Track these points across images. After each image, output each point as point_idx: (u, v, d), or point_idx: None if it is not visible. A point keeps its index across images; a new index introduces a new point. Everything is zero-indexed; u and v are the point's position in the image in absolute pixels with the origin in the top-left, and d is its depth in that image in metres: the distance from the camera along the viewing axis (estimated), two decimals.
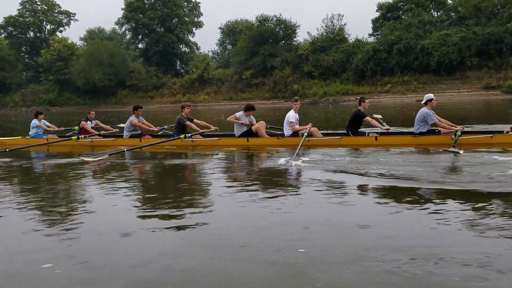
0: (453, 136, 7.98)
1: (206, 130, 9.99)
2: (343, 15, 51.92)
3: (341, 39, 49.91)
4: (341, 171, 6.09)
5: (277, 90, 49.94)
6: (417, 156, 7.48)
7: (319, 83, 48.11)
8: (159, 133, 11.13)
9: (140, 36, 64.44)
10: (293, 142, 8.52)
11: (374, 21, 52.57)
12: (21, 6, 67.79)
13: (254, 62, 52.89)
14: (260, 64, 52.54)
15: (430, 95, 8.70)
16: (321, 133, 9.37)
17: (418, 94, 41.18)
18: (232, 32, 73.71)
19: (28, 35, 69.90)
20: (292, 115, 9.25)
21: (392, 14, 50.37)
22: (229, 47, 78.69)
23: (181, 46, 66.03)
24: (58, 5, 69.44)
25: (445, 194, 4.67)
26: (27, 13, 68.21)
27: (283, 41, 54.70)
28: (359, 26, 76.67)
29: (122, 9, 62.69)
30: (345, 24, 51.33)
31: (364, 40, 50.15)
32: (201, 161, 8.28)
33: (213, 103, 52.50)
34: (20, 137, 12.05)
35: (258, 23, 54.63)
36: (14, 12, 68.09)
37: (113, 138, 10.79)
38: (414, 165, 6.39)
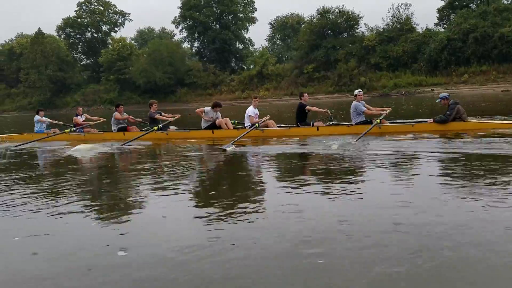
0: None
1: (171, 118, 11.51)
2: (410, 4, 50.58)
3: (409, 28, 48.53)
4: (260, 154, 7.99)
5: (341, 83, 48.97)
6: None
7: (388, 75, 46.87)
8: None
9: (196, 34, 64.64)
10: (249, 133, 9.92)
11: (440, 10, 51.19)
12: (78, 7, 69.37)
13: (316, 55, 52.10)
14: (323, 57, 51.75)
15: (359, 91, 10.17)
16: (277, 125, 10.83)
17: (500, 84, 39.49)
18: (282, 27, 73.18)
19: (85, 36, 71.38)
20: (251, 110, 10.79)
21: (460, 2, 48.85)
22: (279, 42, 78.27)
23: (236, 43, 65.95)
24: (114, 5, 70.72)
25: None
26: (84, 14, 69.64)
27: (345, 33, 53.73)
28: (421, 16, 75.10)
29: (178, 7, 63.16)
30: (412, 13, 49.91)
31: (434, 29, 48.68)
32: (174, 152, 9.30)
33: (273, 98, 52.04)
34: (26, 133, 13.94)
35: (318, 15, 53.89)
36: (72, 14, 69.92)
37: (102, 132, 12.76)
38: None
